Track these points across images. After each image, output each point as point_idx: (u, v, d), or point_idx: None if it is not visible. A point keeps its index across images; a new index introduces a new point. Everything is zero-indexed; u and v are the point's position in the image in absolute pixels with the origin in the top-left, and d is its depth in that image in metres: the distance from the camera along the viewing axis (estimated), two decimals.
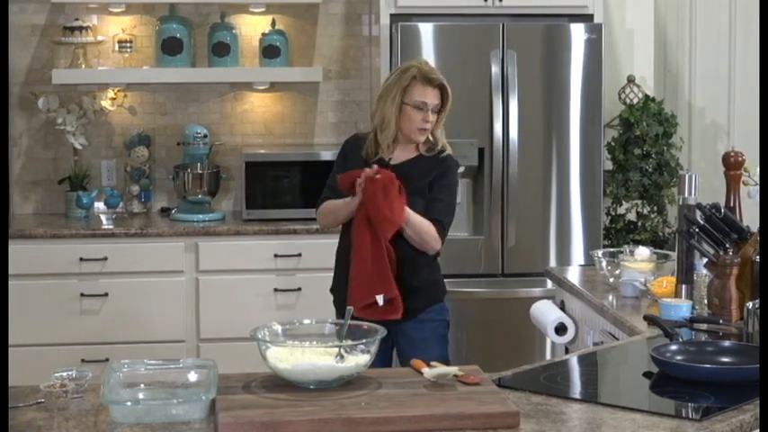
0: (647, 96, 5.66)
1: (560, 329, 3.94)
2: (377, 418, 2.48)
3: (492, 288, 5.29)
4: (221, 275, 5.24)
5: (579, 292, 3.97)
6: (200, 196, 5.48)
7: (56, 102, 5.58)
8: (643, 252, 3.99)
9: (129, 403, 2.56)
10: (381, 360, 3.66)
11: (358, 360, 2.73)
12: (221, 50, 5.60)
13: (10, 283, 4.79)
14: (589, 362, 3.13)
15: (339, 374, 2.69)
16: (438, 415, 2.50)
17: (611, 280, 3.96)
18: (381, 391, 2.67)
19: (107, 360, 4.90)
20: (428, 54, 5.15)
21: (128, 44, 5.64)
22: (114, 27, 5.69)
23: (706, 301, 3.52)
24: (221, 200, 5.72)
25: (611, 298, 3.83)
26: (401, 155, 3.87)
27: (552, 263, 5.29)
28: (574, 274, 4.28)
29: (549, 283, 4.66)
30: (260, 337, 2.77)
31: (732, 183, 3.86)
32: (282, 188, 5.46)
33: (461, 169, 4.25)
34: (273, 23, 5.69)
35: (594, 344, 3.69)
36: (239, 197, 5.60)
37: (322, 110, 5.85)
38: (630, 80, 5.66)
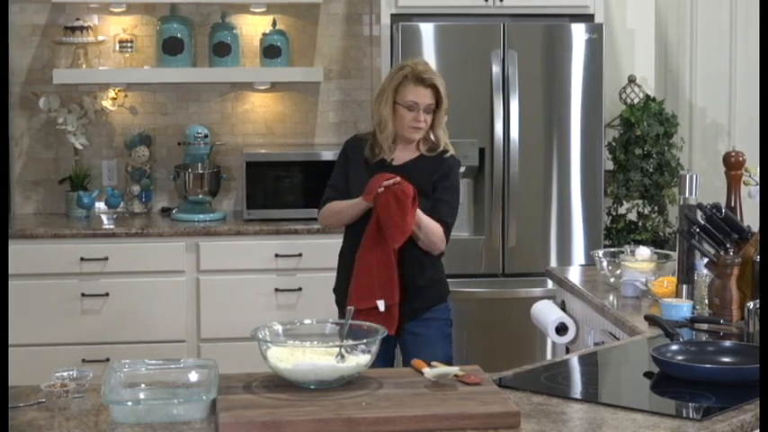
0: (647, 96, 5.66)
1: (561, 329, 3.93)
2: (377, 418, 2.48)
3: (493, 288, 5.28)
4: (222, 275, 5.24)
5: (580, 292, 3.97)
6: (200, 196, 5.48)
7: (56, 102, 5.58)
8: (644, 252, 3.99)
9: (129, 403, 2.56)
10: (384, 359, 3.67)
11: (359, 360, 2.73)
12: (222, 50, 5.59)
13: (10, 283, 4.79)
14: (590, 362, 3.13)
15: (340, 374, 2.69)
16: (439, 415, 2.50)
17: (612, 280, 3.96)
18: (382, 391, 2.66)
19: (108, 360, 4.91)
20: (429, 54, 5.15)
21: (128, 44, 5.64)
22: (115, 27, 5.69)
23: (707, 301, 3.52)
24: (222, 200, 5.72)
25: (611, 298, 3.83)
26: (402, 155, 3.87)
27: (553, 263, 5.28)
28: (574, 274, 4.28)
29: (550, 283, 4.66)
30: (261, 336, 2.77)
31: (733, 183, 3.86)
32: (283, 188, 5.45)
33: (462, 169, 4.25)
34: (274, 23, 5.69)
35: (595, 344, 3.68)
36: (240, 197, 5.60)
37: (323, 110, 5.85)
38: (631, 80, 5.66)
